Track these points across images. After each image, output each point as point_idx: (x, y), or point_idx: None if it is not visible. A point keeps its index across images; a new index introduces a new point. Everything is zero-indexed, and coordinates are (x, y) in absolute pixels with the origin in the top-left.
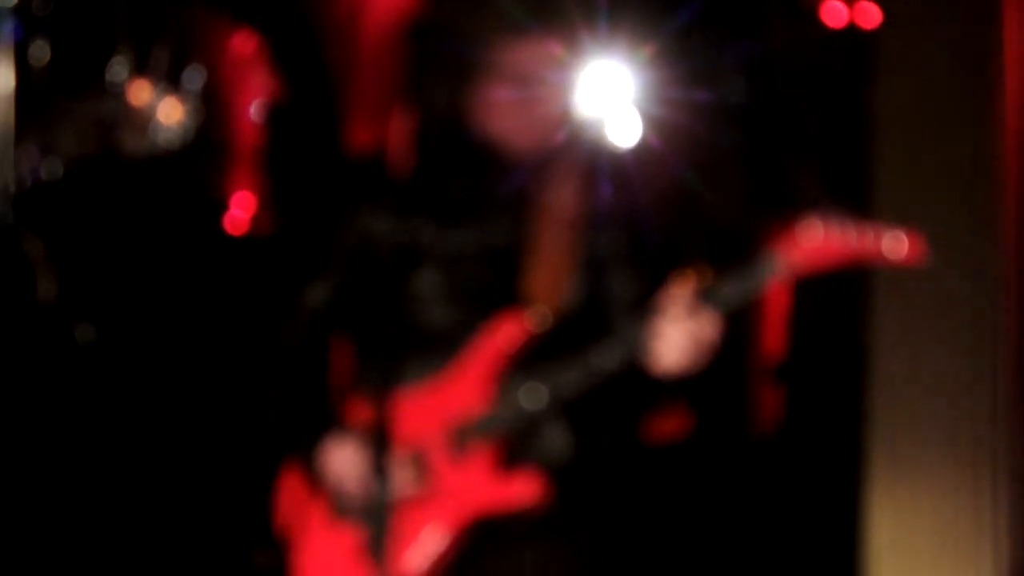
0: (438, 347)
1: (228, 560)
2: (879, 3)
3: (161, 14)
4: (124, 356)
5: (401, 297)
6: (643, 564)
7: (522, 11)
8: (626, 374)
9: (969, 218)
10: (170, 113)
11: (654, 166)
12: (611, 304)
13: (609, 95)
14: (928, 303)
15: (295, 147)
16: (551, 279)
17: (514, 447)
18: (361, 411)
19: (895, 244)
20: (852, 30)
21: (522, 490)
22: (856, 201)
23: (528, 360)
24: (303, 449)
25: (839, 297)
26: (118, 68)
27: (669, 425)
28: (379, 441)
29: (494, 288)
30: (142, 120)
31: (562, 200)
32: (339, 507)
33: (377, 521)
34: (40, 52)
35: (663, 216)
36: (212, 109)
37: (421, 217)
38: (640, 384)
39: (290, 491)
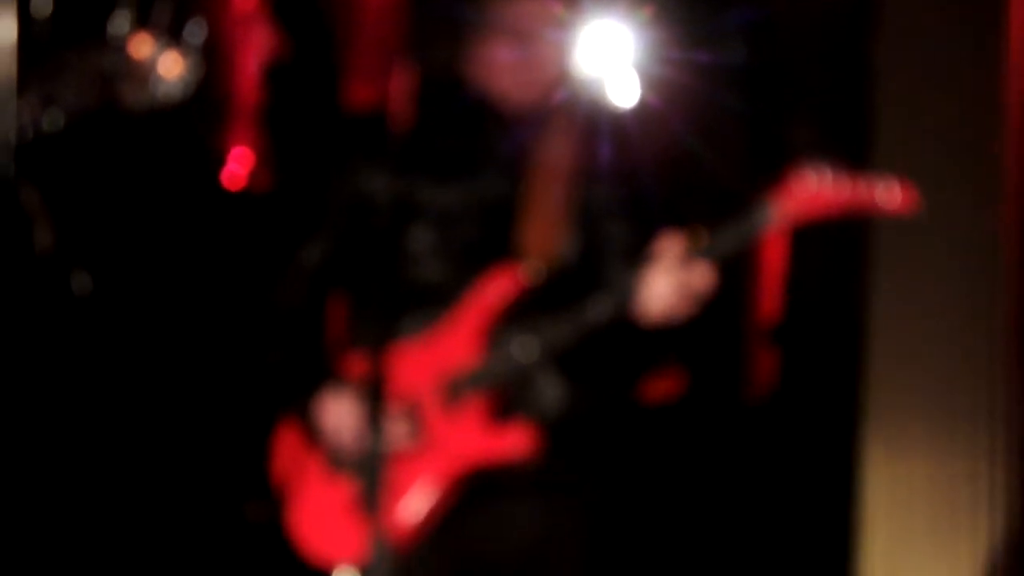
0: (432, 301)
1: (225, 512)
2: None
3: None
4: (121, 309)
5: (397, 252)
6: (634, 518)
7: None
8: (619, 326)
9: (970, 177)
10: (171, 67)
11: (652, 125)
12: (604, 258)
13: (608, 54)
14: (926, 263)
15: (294, 103)
16: (545, 233)
17: (507, 400)
18: (357, 365)
19: (888, 193)
20: None
21: (515, 443)
22: (857, 160)
23: (521, 313)
24: (299, 402)
25: (836, 258)
26: (120, 21)
27: (663, 385)
28: (374, 394)
29: (488, 242)
30: (143, 73)
31: (558, 156)
32: (334, 460)
33: (371, 473)
34: (42, 4)
35: (660, 174)
36: (213, 64)
37: (418, 173)
38: (633, 336)
39: (286, 444)
